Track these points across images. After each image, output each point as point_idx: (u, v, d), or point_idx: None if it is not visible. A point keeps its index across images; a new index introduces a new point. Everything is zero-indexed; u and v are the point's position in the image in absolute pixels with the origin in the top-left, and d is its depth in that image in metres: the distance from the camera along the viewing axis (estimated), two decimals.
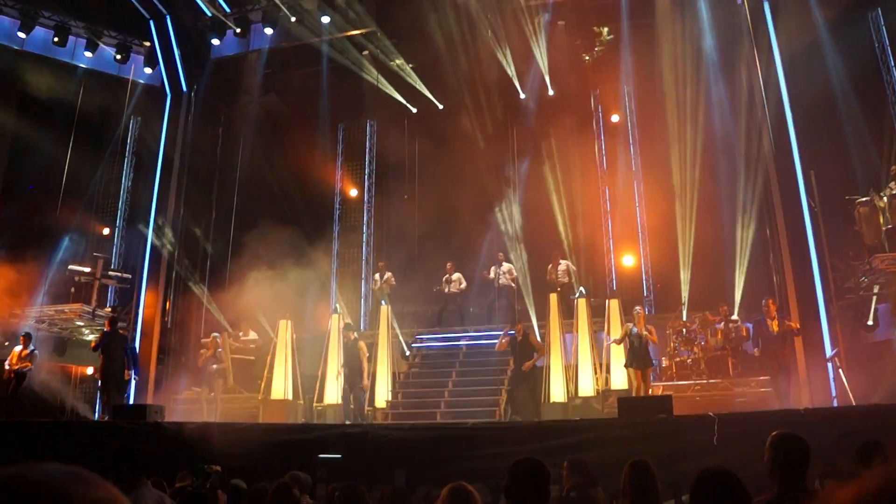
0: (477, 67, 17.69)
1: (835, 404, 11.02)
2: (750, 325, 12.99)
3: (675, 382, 13.44)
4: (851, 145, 13.35)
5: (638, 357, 12.02)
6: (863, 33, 14.51)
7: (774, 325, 11.39)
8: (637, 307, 12.83)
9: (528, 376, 13.00)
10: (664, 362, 13.82)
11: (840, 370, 11.12)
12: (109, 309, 17.09)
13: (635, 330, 12.09)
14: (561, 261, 16.14)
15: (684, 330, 13.90)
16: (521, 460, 3.60)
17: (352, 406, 13.33)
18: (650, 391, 12.01)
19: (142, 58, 18.97)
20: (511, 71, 17.60)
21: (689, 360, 13.70)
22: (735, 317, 13.89)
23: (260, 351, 16.25)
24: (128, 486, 4.56)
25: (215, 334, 15.18)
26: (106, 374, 13.30)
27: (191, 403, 15.58)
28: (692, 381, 13.37)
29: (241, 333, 16.39)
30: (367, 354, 13.59)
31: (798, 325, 11.96)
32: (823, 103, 13.62)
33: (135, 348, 14.44)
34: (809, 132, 13.81)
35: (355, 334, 13.94)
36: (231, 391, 15.33)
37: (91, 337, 16.80)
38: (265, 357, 15.54)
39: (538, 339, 13.54)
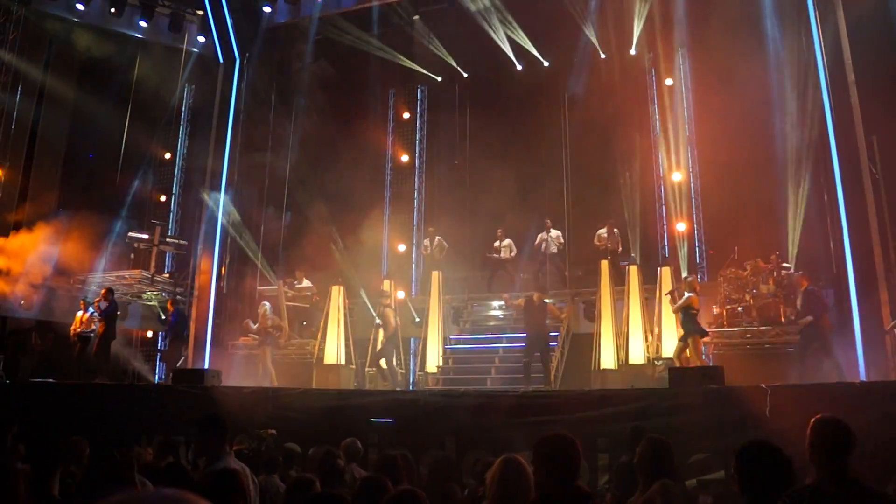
0: (529, 31, 17.50)
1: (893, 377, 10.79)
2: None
3: (726, 329, 13.32)
4: None
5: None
6: None
7: None
8: (687, 275, 12.77)
9: (544, 342, 12.98)
10: (714, 310, 13.72)
11: None
12: (167, 275, 17.58)
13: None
14: (613, 228, 16.01)
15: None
16: (547, 437, 3.45)
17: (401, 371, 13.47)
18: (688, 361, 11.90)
19: (195, 26, 19.20)
20: (569, 32, 17.35)
21: (740, 308, 13.56)
22: (788, 264, 13.69)
23: (315, 299, 16.60)
24: (215, 455, 4.58)
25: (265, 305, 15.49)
26: (106, 338, 13.95)
27: (248, 349, 16.04)
28: (742, 328, 13.25)
29: (295, 282, 16.70)
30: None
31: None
32: (889, 66, 13.12)
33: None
34: (873, 96, 13.31)
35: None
36: (288, 338, 15.87)
37: (154, 302, 17.41)
38: (320, 306, 15.96)
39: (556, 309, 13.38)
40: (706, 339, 12.40)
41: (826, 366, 10.78)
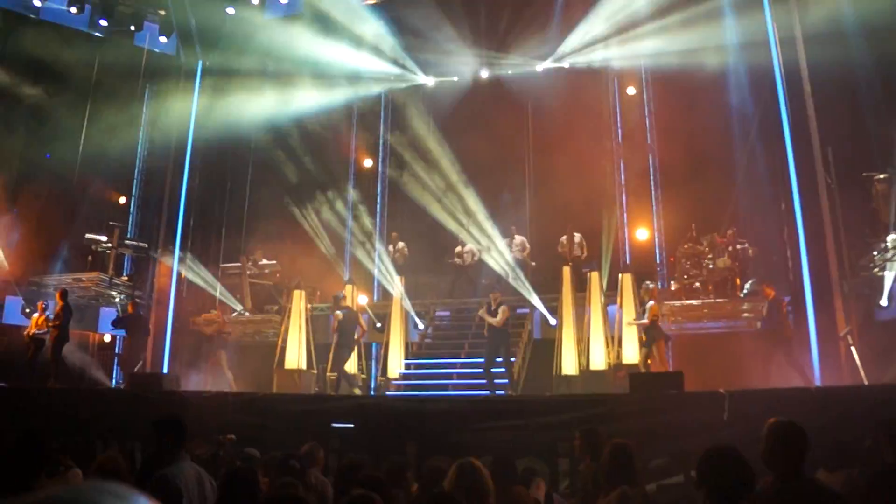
0: (495, 39, 17.62)
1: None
2: None
3: (684, 302, 13.66)
4: (870, 122, 13.18)
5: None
6: (886, 6, 14.25)
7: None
8: (648, 282, 12.90)
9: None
10: (673, 286, 14.08)
11: (852, 348, 11.10)
12: (126, 278, 17.29)
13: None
14: (574, 234, 16.13)
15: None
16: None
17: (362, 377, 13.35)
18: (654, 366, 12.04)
19: (157, 26, 18.91)
20: (529, 41, 17.49)
21: (697, 283, 13.86)
22: (743, 240, 14.01)
23: (278, 276, 16.94)
24: (170, 459, 4.53)
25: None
26: (59, 341, 13.76)
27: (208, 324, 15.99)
28: (700, 301, 13.61)
29: (257, 259, 16.80)
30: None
31: None
32: (843, 79, 13.41)
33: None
34: (828, 107, 13.61)
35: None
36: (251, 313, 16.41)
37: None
38: (283, 283, 16.35)
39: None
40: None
41: (789, 373, 11.01)
